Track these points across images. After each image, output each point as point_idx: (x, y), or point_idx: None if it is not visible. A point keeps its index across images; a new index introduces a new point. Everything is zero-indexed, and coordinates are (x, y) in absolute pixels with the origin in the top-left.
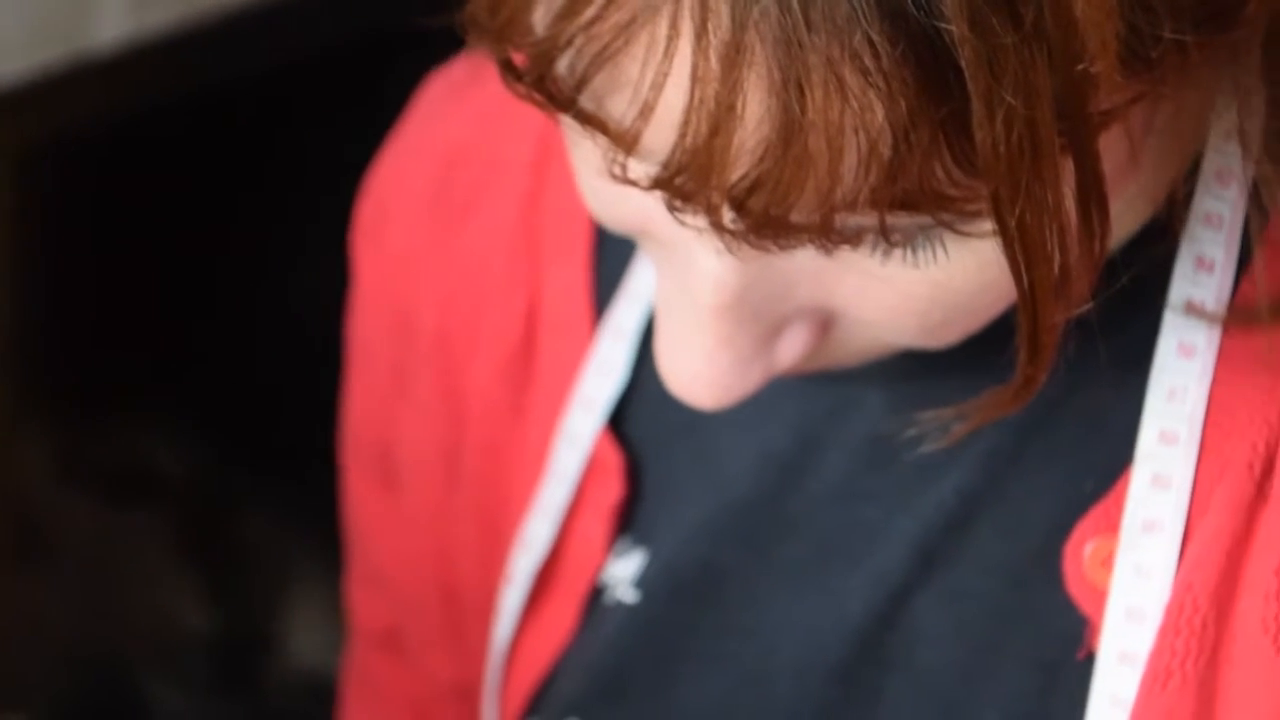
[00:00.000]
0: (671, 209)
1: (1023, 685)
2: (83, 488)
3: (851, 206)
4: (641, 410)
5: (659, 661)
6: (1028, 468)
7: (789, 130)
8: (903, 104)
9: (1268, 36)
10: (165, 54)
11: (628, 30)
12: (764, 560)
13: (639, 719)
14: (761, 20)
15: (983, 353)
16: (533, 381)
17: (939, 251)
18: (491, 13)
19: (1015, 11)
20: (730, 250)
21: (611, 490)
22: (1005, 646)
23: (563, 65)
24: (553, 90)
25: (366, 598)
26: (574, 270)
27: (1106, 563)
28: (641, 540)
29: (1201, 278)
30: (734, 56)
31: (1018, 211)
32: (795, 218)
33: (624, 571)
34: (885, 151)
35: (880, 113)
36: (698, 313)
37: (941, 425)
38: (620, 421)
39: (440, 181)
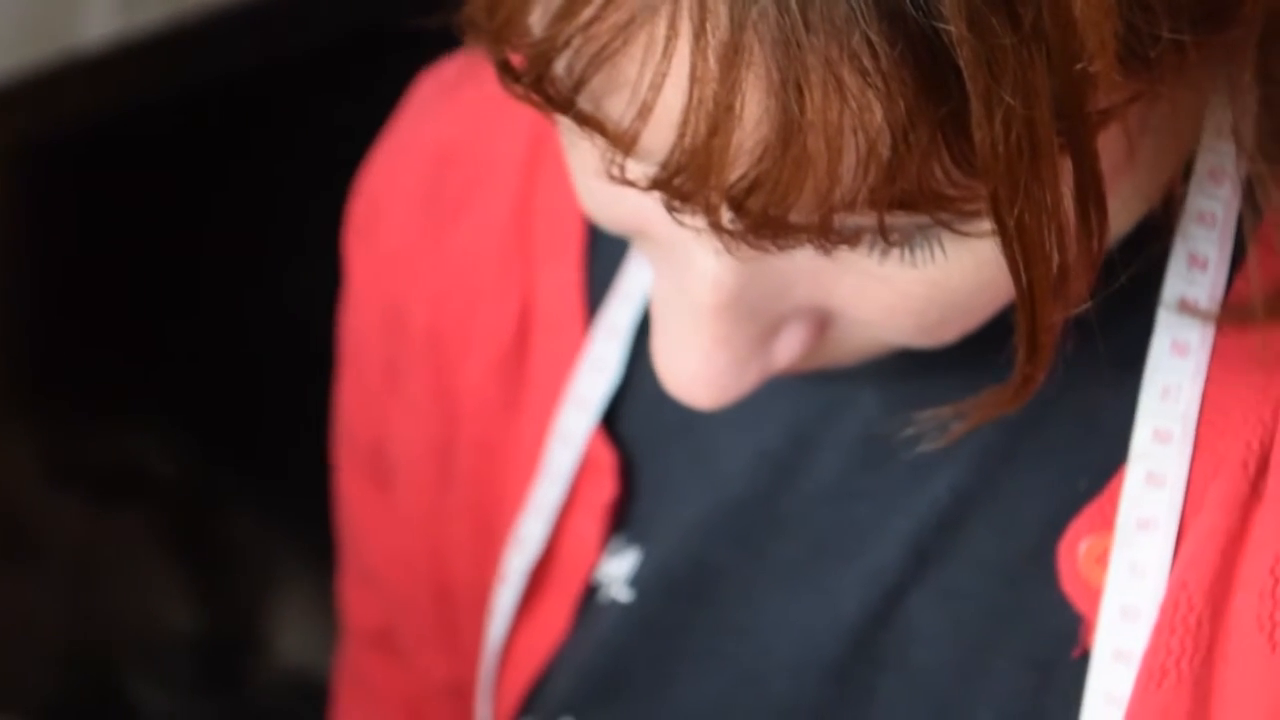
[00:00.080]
0: (670, 209)
1: (1017, 683)
2: (69, 487)
3: (850, 207)
4: (635, 409)
5: (653, 660)
6: (1021, 466)
7: (788, 130)
8: (901, 104)
9: (1262, 35)
10: (153, 52)
11: (626, 31)
12: (758, 559)
13: (633, 718)
14: (760, 21)
15: (977, 351)
16: (526, 380)
17: (937, 251)
18: (489, 13)
19: (1014, 11)
20: (729, 250)
21: (605, 489)
22: (1000, 645)
23: (560, 66)
24: (550, 91)
25: (359, 596)
26: (566, 269)
27: (1101, 560)
28: (636, 539)
29: (1195, 275)
30: (732, 57)
31: (1016, 211)
32: (794, 218)
33: (618, 570)
34: (884, 152)
35: (879, 113)
36: (695, 312)
37: (939, 424)
38: (614, 420)
39: (432, 180)
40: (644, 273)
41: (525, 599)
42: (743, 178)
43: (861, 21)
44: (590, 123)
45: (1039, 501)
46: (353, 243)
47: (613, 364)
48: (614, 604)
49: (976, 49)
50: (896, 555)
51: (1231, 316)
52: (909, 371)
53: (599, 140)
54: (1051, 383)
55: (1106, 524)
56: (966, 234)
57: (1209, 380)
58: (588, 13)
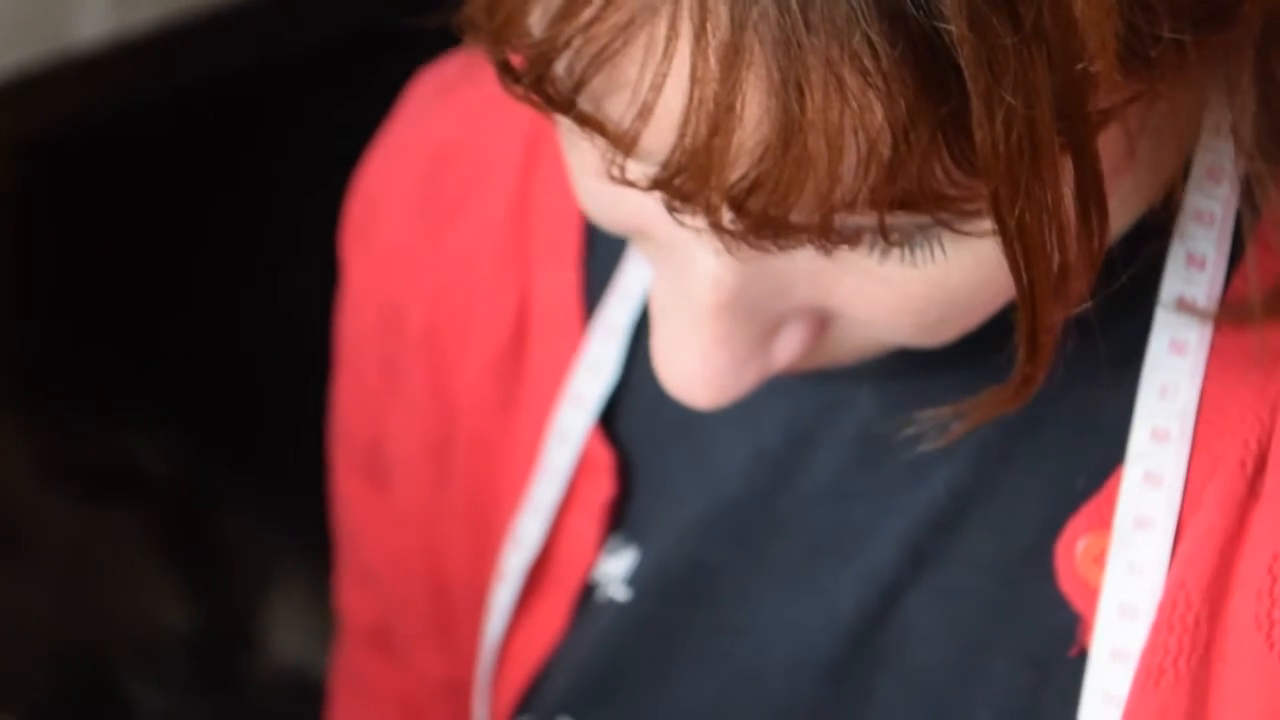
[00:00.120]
0: (670, 210)
1: (1015, 683)
2: (63, 486)
3: (851, 207)
4: (633, 408)
5: (651, 659)
6: (1019, 465)
7: (788, 130)
8: (902, 104)
9: (1261, 35)
10: (147, 51)
11: (626, 31)
12: (756, 558)
13: (630, 717)
14: (760, 21)
15: (974, 351)
16: (523, 379)
17: (936, 251)
18: (489, 14)
19: (1015, 11)
20: (729, 250)
21: (603, 488)
22: (997, 644)
23: (560, 67)
24: (550, 92)
25: (356, 595)
26: (564, 268)
27: (1099, 560)
28: (633, 538)
29: (1193, 275)
30: (733, 57)
31: (1017, 211)
32: (794, 218)
33: (616, 569)
34: (885, 152)
35: (880, 113)
36: (695, 312)
37: (939, 424)
38: (611, 419)
39: (429, 179)
40: (641, 272)
41: (523, 598)
42: (743, 178)
43: (862, 21)
44: (590, 123)
45: (1036, 501)
46: (350, 242)
47: (610, 363)
48: (611, 603)
49: (977, 49)
50: (894, 555)
51: (1229, 315)
52: (906, 371)
53: (599, 141)
54: (1049, 382)
55: (1104, 523)
56: (967, 234)
57: (1207, 379)
58: (588, 13)
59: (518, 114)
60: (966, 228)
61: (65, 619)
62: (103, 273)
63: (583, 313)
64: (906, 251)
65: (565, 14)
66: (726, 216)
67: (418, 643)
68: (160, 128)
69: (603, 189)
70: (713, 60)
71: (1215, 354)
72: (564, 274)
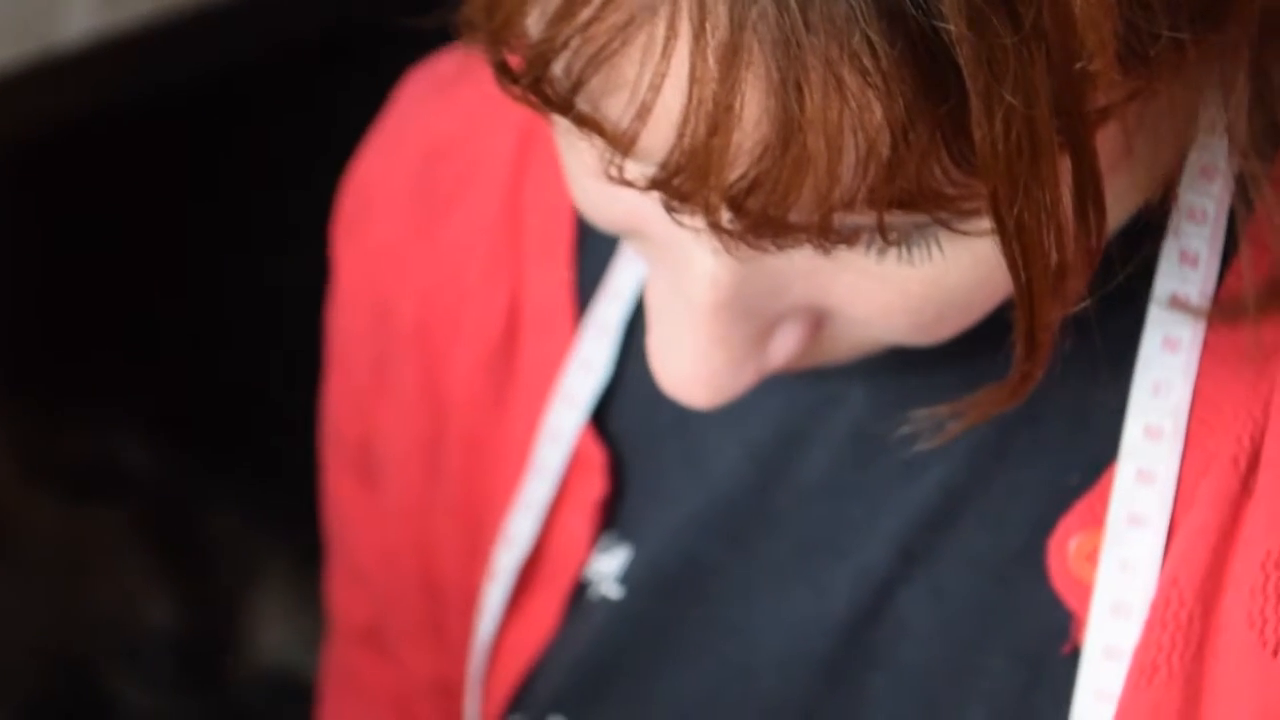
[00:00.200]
0: (669, 210)
1: (1007, 680)
2: (48, 485)
3: (850, 206)
4: (625, 406)
5: (643, 657)
6: (1012, 463)
7: (788, 130)
8: (901, 104)
9: (1256, 32)
10: (134, 49)
11: (625, 32)
12: (749, 556)
13: (623, 715)
14: (760, 21)
15: (966, 349)
16: (515, 377)
17: (934, 249)
18: (487, 14)
19: (1014, 10)
20: (728, 250)
21: (595, 486)
22: (990, 641)
23: (558, 67)
24: (548, 92)
25: (347, 594)
26: (556, 266)
27: (1091, 557)
28: (626, 536)
29: (1186, 272)
30: (732, 57)
31: (1016, 210)
32: (793, 218)
33: (608, 567)
34: (884, 151)
35: (879, 112)
36: (692, 311)
37: (935, 423)
38: (604, 418)
39: (421, 176)
40: (633, 270)
41: (514, 596)
42: (742, 177)
43: (861, 21)
44: (589, 124)
45: (1029, 498)
46: (341, 239)
47: (602, 362)
48: (604, 601)
49: (976, 48)
50: (886, 552)
51: (1222, 313)
52: (899, 369)
53: (597, 141)
54: (1044, 379)
55: (1097, 521)
56: (965, 233)
57: (1200, 376)
58: (586, 14)
59: (510, 111)
60: (964, 227)
61: (50, 617)
62: (89, 271)
63: (574, 311)
64: (904, 250)
65: (563, 14)
66: (725, 216)
67: (409, 641)
68: (147, 126)
69: (600, 189)
70: (711, 60)
71: (1208, 351)
72: (556, 272)
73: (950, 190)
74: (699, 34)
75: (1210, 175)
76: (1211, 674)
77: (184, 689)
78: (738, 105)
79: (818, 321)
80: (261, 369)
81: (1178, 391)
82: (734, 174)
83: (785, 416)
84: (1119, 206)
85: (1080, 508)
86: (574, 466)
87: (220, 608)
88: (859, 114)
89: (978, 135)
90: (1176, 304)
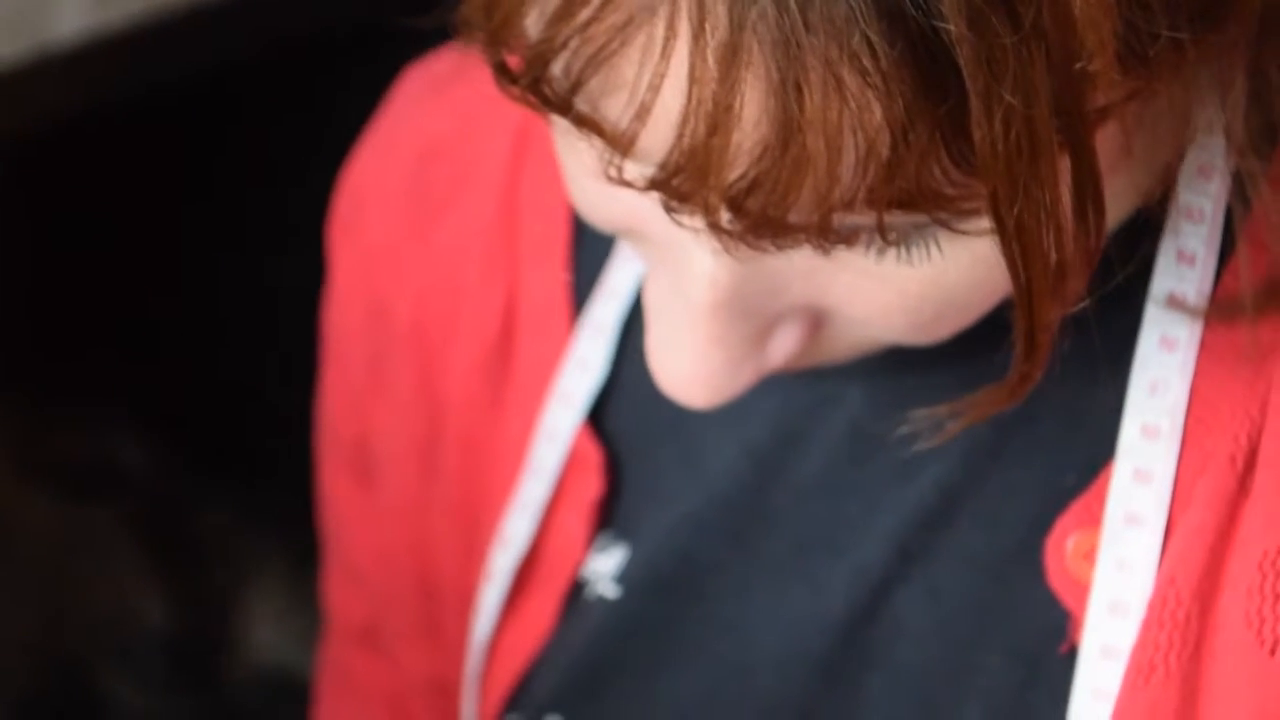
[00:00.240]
0: (668, 210)
1: (1004, 679)
2: (41, 484)
3: (849, 206)
4: (621, 406)
5: (640, 656)
6: (1008, 462)
7: (787, 130)
8: (901, 104)
9: (1254, 31)
10: (127, 48)
11: (624, 32)
12: (745, 555)
13: (619, 714)
14: (759, 21)
15: (963, 348)
16: (511, 376)
17: (933, 249)
18: (486, 15)
19: (1014, 10)
20: (727, 250)
21: (591, 486)
22: (987, 641)
23: (557, 67)
24: (547, 93)
25: (343, 593)
26: (552, 265)
27: (1089, 556)
28: (623, 535)
29: (1183, 271)
30: (732, 57)
31: (1016, 210)
32: (793, 218)
33: (605, 567)
34: (883, 151)
35: (878, 113)
36: (690, 311)
37: (933, 423)
38: (600, 417)
39: (418, 175)
40: (629, 270)
41: (511, 596)
42: (742, 178)
43: (861, 21)
44: (588, 124)
45: (1026, 498)
46: (337, 238)
47: (598, 361)
48: (601, 601)
49: (976, 48)
50: (883, 551)
51: (1220, 312)
52: (896, 368)
53: (596, 142)
54: (1041, 379)
55: (1094, 520)
56: (964, 233)
57: (1197, 375)
58: (585, 14)
59: (506, 111)
60: (964, 227)
61: (44, 616)
62: (83, 270)
63: (571, 310)
64: (903, 250)
65: (562, 15)
66: (724, 217)
67: (405, 640)
68: (141, 125)
69: (598, 189)
70: (711, 60)
71: (1205, 350)
72: (552, 272)
73: (950, 190)
74: (698, 34)
75: (1208, 174)
76: (1209, 673)
77: (177, 688)
78: (737, 105)
79: (816, 321)
80: (255, 368)
81: (1175, 391)
82: (733, 174)
83: (782, 416)
84: (1117, 206)
85: (1077, 507)
86: (570, 466)
87: (214, 607)
88: (858, 114)
89: (977, 135)
90: (1174, 303)
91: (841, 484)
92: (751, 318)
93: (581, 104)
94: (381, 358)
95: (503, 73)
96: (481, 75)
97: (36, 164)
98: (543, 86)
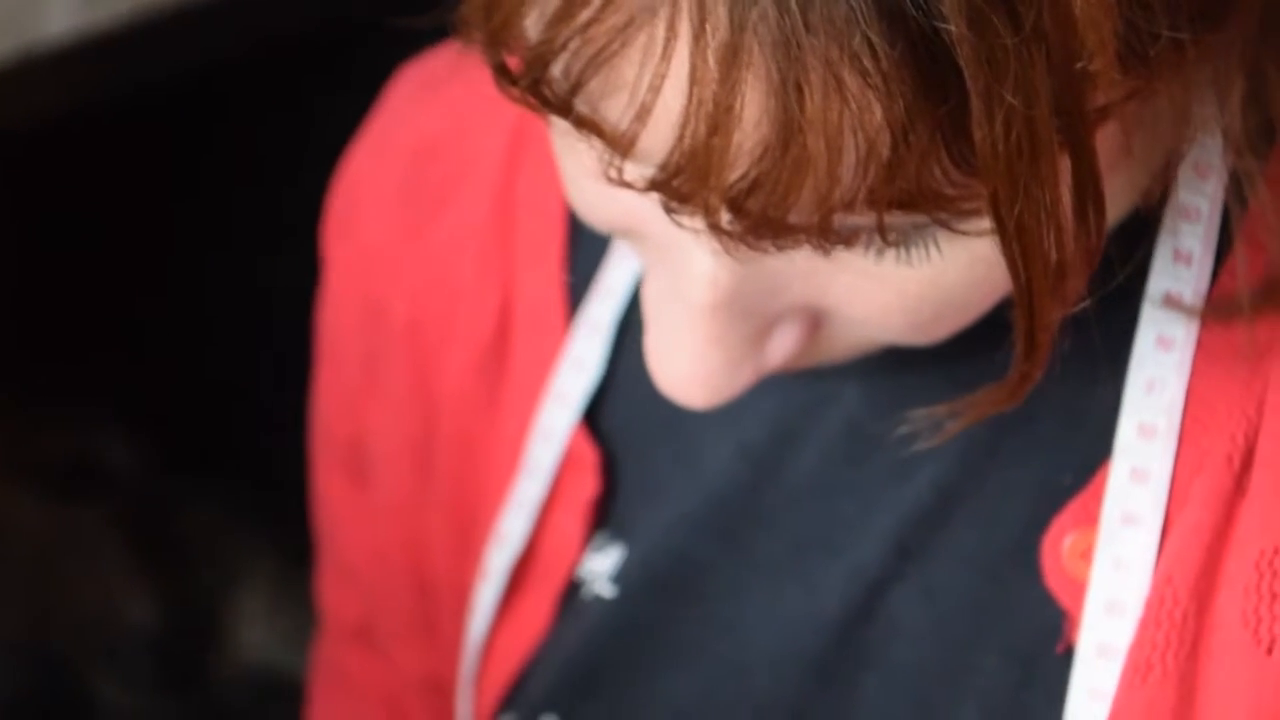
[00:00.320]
0: (668, 211)
1: (1001, 679)
2: (28, 483)
3: (849, 207)
4: (618, 405)
5: (636, 656)
6: (1005, 461)
7: (788, 131)
8: (901, 104)
9: (1250, 30)
10: (116, 47)
11: (624, 33)
12: (742, 554)
13: (615, 713)
14: (760, 22)
15: (959, 348)
16: (507, 376)
17: (932, 250)
18: (486, 16)
19: (1014, 11)
20: (727, 251)
21: (587, 485)
22: (983, 640)
23: (557, 69)
24: (547, 94)
25: (337, 592)
26: (547, 265)
27: (1085, 556)
28: (619, 535)
29: (1180, 270)
30: (732, 58)
31: (1016, 211)
32: (793, 218)
33: (601, 566)
34: (884, 152)
35: (879, 113)
36: (689, 312)
37: (932, 422)
38: (596, 416)
39: (412, 174)
40: (625, 269)
41: (506, 595)
42: (742, 178)
43: (862, 22)
44: (588, 125)
45: (1022, 497)
46: (331, 237)
47: (594, 361)
48: (597, 600)
49: (977, 48)
50: (879, 551)
51: (1216, 311)
52: (892, 367)
53: (596, 143)
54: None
55: (1091, 519)
56: (964, 233)
57: (1194, 375)
58: (585, 15)
59: (501, 110)
60: (963, 227)
61: (30, 616)
62: (71, 270)
63: (566, 310)
64: (902, 251)
65: (563, 16)
66: (725, 217)
67: (400, 640)
68: (129, 124)
69: (597, 189)
70: (712, 61)
71: (1202, 349)
72: (547, 271)
73: (950, 191)
74: (699, 35)
75: (1205, 173)
76: (1205, 672)
77: (165, 688)
78: (738, 106)
79: (815, 321)
80: (241, 368)
81: (1171, 390)
82: (734, 175)
83: (779, 415)
84: (1116, 205)
85: (1074, 506)
86: (566, 465)
87: (201, 606)
88: (859, 115)
89: (978, 136)
90: (1170, 302)
91: (838, 483)
92: (750, 318)
93: (581, 105)
94: (376, 357)
95: (502, 74)
96: (476, 74)
97: (24, 164)
98: (542, 88)
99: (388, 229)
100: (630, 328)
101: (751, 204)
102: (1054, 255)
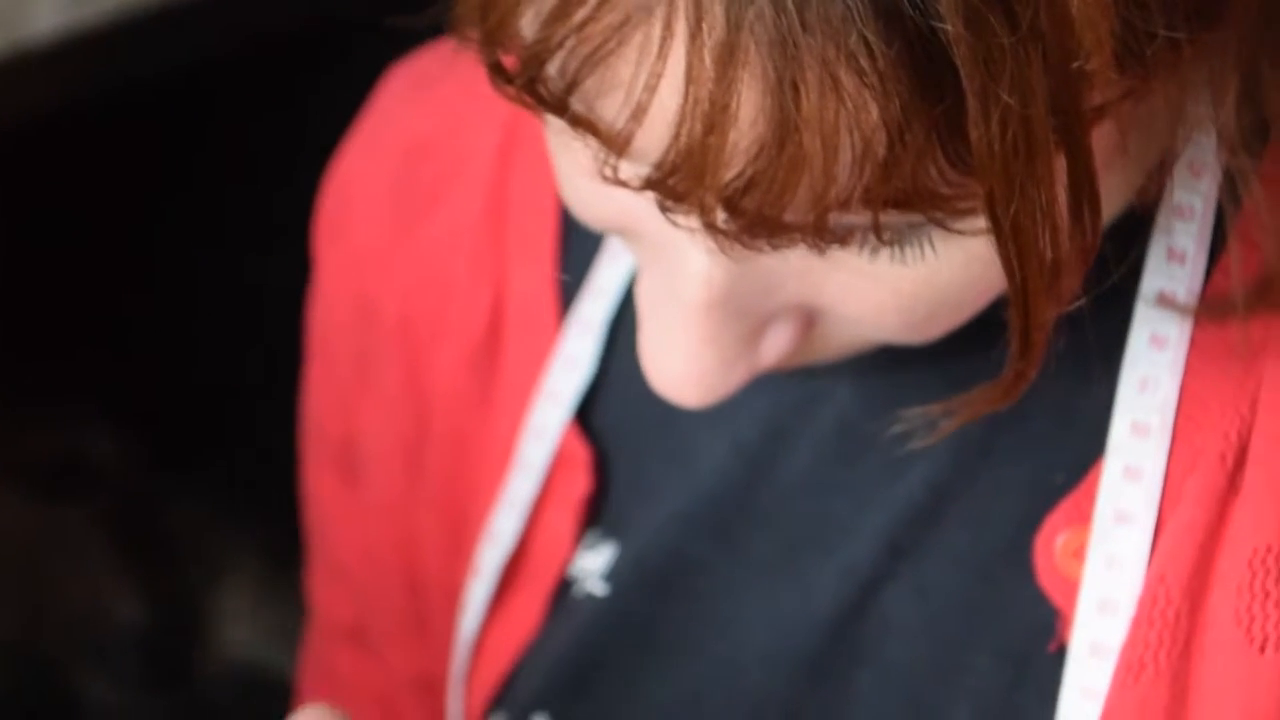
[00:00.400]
0: (663, 209)
1: (993, 678)
2: (14, 481)
3: (845, 206)
4: (610, 404)
5: (628, 654)
6: (998, 460)
7: (784, 130)
8: (897, 103)
9: (1245, 29)
10: (103, 44)
11: (620, 32)
12: (734, 552)
13: (607, 712)
14: (756, 21)
15: (952, 347)
16: (499, 374)
17: (927, 249)
18: (481, 15)
19: (1011, 10)
20: (722, 250)
21: (579, 484)
22: (975, 639)
23: (553, 68)
24: (543, 93)
25: (328, 591)
26: (540, 263)
27: (1078, 554)
28: (611, 533)
29: (1173, 269)
30: (729, 57)
31: (1012, 209)
32: (788, 217)
33: (593, 564)
34: (880, 151)
35: (875, 112)
36: (684, 311)
37: (927, 421)
38: (588, 415)
39: (404, 173)
40: (618, 267)
41: (498, 594)
42: (738, 177)
43: (858, 21)
44: (583, 124)
45: (1015, 495)
46: (322, 236)
47: (586, 359)
48: (589, 598)
49: (974, 47)
50: (872, 549)
51: (1210, 310)
52: (887, 367)
53: (592, 141)
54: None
55: (1083, 518)
56: (959, 232)
57: (1187, 373)
58: (581, 14)
59: (493, 109)
60: (959, 226)
61: (16, 614)
62: (58, 268)
63: (558, 308)
64: (897, 250)
65: (559, 15)
66: (720, 216)
67: (391, 638)
68: (117, 122)
69: (592, 188)
70: (708, 60)
71: (1195, 348)
72: (539, 270)
73: (945, 190)
74: (695, 34)
75: (1198, 172)
76: (1198, 671)
77: (151, 685)
78: (734, 105)
79: (809, 320)
80: (230, 367)
81: (1165, 388)
82: (730, 174)
83: (772, 413)
84: (1111, 203)
85: (1067, 504)
86: (558, 464)
87: (187, 604)
88: (855, 114)
89: (974, 135)
90: (1164, 301)
91: (831, 482)
92: (745, 317)
93: (577, 104)
94: (368, 356)
95: (498, 73)
96: (468, 73)
97: (12, 161)
98: (538, 87)
99: (379, 228)
100: (623, 326)
101: (747, 203)
102: (1049, 254)
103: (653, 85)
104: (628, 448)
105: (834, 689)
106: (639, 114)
